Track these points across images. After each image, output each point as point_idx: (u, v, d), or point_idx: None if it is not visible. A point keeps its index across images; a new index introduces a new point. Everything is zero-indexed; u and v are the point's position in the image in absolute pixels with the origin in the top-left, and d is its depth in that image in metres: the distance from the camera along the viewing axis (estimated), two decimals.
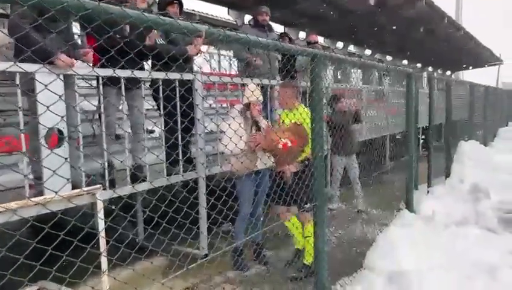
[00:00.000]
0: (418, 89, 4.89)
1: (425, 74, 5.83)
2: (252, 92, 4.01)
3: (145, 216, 4.92)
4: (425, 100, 5.63)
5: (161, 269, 4.23)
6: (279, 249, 4.66)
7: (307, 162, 3.94)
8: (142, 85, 4.02)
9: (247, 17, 10.94)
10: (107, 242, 3.30)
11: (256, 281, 3.92)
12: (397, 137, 9.00)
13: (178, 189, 4.92)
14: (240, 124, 3.81)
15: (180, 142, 4.18)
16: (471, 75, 38.46)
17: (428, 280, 2.96)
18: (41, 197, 3.10)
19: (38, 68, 2.77)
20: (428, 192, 5.35)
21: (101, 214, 3.42)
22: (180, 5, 4.87)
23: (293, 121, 3.90)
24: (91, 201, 3.44)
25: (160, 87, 3.98)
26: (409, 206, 4.37)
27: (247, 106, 4.12)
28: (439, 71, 28.03)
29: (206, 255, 4.44)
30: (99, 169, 3.81)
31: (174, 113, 4.17)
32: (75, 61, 3.42)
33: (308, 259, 4.09)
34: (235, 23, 10.73)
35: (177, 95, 4.00)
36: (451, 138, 6.14)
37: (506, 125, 12.28)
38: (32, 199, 3.08)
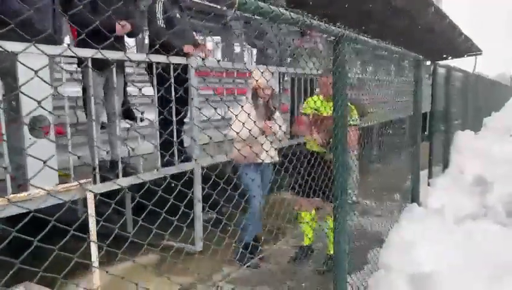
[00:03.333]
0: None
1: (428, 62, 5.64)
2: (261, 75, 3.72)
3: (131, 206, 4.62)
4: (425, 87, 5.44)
5: (152, 265, 3.95)
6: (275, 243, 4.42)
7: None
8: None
9: None
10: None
11: (257, 278, 3.67)
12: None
13: (171, 180, 4.62)
14: (248, 112, 3.55)
15: (173, 132, 3.89)
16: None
17: (455, 282, 2.76)
18: (26, 193, 2.77)
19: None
20: (429, 184, 5.17)
21: (91, 210, 3.12)
22: None
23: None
24: (81, 196, 3.14)
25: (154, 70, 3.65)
26: (416, 199, 4.18)
27: (256, 90, 3.82)
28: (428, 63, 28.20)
29: (201, 251, 4.18)
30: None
31: (167, 101, 3.87)
32: None
33: (332, 249, 3.92)
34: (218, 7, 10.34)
35: (172, 82, 3.72)
36: (450, 127, 5.98)
37: (490, 115, 12.28)
38: (17, 195, 2.75)
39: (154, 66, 3.67)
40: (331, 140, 3.59)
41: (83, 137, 4.02)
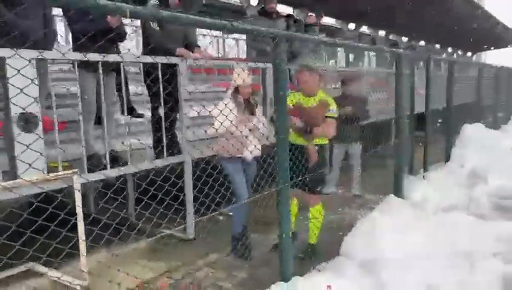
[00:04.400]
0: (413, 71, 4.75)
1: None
2: (239, 75, 3.96)
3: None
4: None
5: (146, 250, 4.28)
6: (261, 233, 4.63)
7: (317, 147, 3.93)
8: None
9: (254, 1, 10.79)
10: (99, 222, 3.35)
11: (236, 264, 3.91)
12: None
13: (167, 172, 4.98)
14: (227, 104, 3.82)
15: (164, 126, 4.18)
16: (493, 57, 37.62)
17: (402, 267, 2.90)
18: (15, 181, 3.14)
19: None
20: (424, 177, 5.23)
21: (78, 198, 3.46)
22: None
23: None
24: (68, 185, 3.48)
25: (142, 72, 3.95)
26: (398, 192, 4.28)
27: (236, 90, 4.06)
28: (460, 52, 27.37)
29: (194, 239, 4.46)
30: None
31: (161, 97, 4.17)
32: None
33: (313, 239, 4.11)
34: (241, 4, 10.63)
35: (160, 80, 4.01)
36: (452, 122, 5.96)
37: None
38: (4, 183, 3.11)
39: (141, 65, 3.97)
40: (309, 128, 3.81)
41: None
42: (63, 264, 3.57)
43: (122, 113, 4.42)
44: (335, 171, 6.25)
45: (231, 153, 3.94)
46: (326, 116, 3.87)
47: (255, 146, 4.01)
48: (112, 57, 3.59)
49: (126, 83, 4.65)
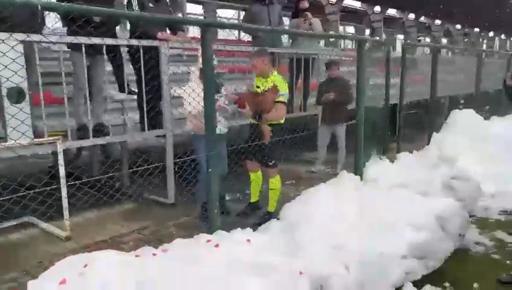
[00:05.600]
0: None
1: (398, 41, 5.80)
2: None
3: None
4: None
5: (127, 212, 4.89)
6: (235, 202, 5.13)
7: (271, 128, 4.35)
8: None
9: None
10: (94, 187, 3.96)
11: (199, 226, 4.41)
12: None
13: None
14: (197, 85, 4.28)
15: (145, 104, 4.71)
16: None
17: (319, 230, 3.31)
18: (6, 144, 3.77)
19: None
20: (396, 159, 5.49)
21: (61, 162, 4.07)
22: None
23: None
24: (52, 150, 4.09)
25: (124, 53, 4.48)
26: (357, 169, 4.63)
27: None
28: (503, 36, 26.31)
29: (173, 204, 5.02)
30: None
31: (148, 77, 4.71)
32: None
33: (271, 208, 4.58)
34: None
35: (142, 61, 4.53)
36: (433, 109, 6.17)
37: None
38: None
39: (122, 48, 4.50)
40: (259, 112, 4.24)
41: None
42: (56, 218, 4.19)
43: (123, 91, 4.98)
44: (321, 151, 6.64)
45: (200, 130, 4.39)
46: (276, 101, 4.23)
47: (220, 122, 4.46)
48: (95, 41, 4.13)
49: (121, 63, 5.20)
